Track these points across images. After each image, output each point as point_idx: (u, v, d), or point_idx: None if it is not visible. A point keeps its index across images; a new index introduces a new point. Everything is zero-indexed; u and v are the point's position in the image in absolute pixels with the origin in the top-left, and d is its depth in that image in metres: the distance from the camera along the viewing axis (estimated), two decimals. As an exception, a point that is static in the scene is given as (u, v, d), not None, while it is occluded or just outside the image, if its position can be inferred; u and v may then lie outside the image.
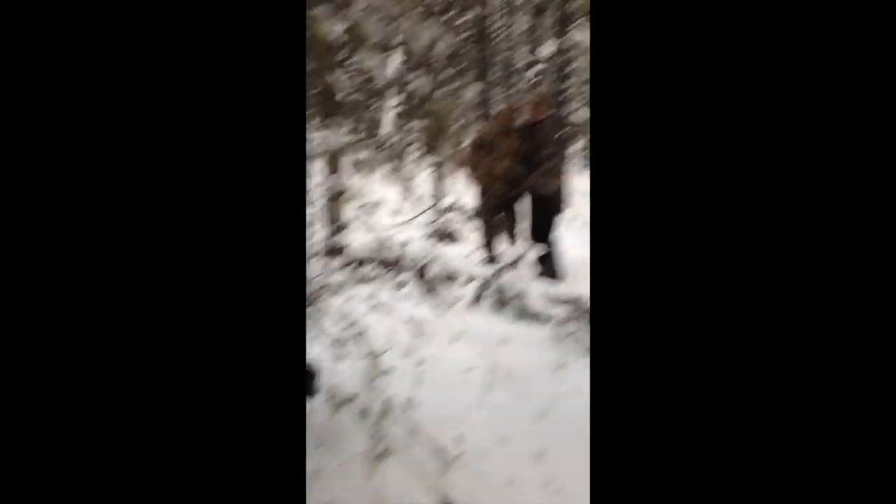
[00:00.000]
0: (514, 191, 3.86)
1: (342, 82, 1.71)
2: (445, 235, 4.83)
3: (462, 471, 1.65)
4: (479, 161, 3.97)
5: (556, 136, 3.81)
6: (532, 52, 11.49)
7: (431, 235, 4.80)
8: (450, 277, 3.10)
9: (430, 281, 2.95)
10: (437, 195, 5.78)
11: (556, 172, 3.75)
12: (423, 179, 5.43)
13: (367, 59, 1.70)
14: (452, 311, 2.88)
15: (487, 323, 2.79)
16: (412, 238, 3.80)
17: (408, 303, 2.73)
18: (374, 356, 1.73)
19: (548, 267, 3.80)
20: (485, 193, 4.00)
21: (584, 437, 1.03)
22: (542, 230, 3.82)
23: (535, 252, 3.68)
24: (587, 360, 2.44)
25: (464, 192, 4.22)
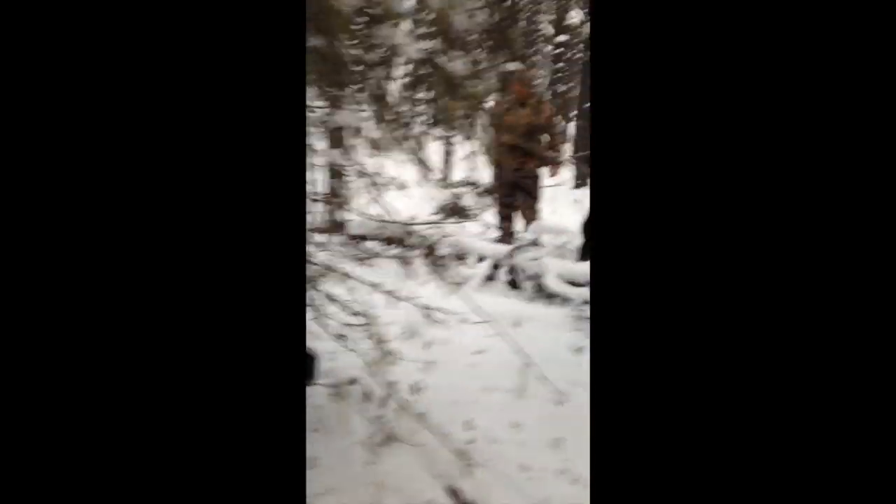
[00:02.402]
0: (526, 166, 3.72)
1: (355, 55, 1.61)
2: (457, 211, 4.71)
3: (471, 458, 1.56)
4: (495, 135, 3.84)
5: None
6: (556, 23, 11.15)
7: (441, 211, 4.69)
8: (459, 256, 2.98)
9: (439, 259, 2.84)
10: (447, 170, 5.62)
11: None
12: (435, 153, 5.30)
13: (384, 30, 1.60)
14: (462, 291, 2.76)
15: (500, 303, 2.68)
16: (419, 214, 3.69)
17: (415, 282, 2.63)
18: (378, 339, 1.63)
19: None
20: (498, 168, 3.86)
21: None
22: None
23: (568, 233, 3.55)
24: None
25: (477, 166, 4.07)
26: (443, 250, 2.97)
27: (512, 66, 4.44)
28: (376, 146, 2.05)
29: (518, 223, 3.88)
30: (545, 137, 3.76)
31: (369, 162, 2.01)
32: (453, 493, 1.43)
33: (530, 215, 3.82)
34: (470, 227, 4.33)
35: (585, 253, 3.77)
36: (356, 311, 1.70)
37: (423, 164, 2.34)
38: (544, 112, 3.72)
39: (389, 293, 2.08)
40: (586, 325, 2.45)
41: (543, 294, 2.76)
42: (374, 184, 2.00)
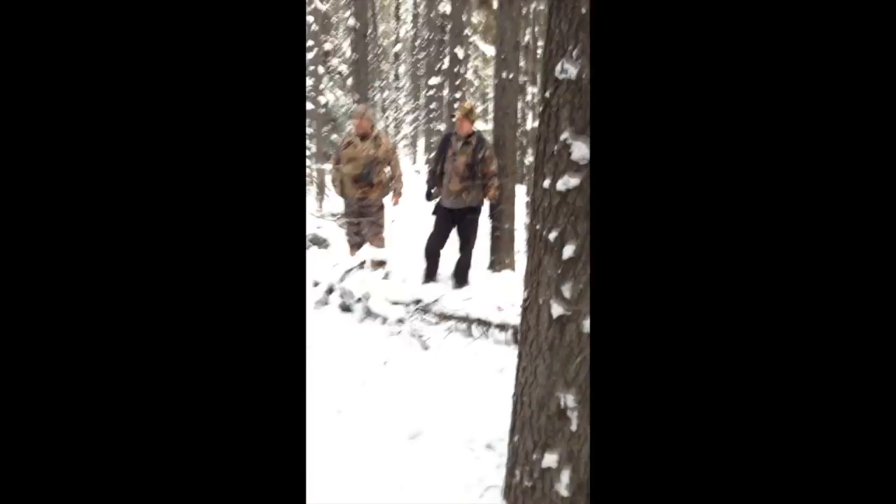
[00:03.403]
0: (368, 196, 3.96)
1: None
2: (317, 242, 4.82)
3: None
4: (337, 167, 4.05)
5: (488, 152, 3.86)
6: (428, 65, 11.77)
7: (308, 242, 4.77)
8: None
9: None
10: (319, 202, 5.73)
11: (488, 187, 3.87)
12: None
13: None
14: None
15: (327, 323, 2.82)
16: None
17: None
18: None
19: (460, 277, 3.97)
20: (344, 198, 4.06)
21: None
22: (463, 242, 3.98)
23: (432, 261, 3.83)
24: (412, 354, 2.53)
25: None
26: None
27: (359, 105, 4.70)
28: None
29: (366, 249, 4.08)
30: (387, 169, 4.03)
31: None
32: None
33: (377, 242, 4.03)
34: (326, 254, 4.46)
35: (428, 275, 4.03)
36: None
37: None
38: (383, 145, 3.99)
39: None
40: (398, 340, 2.66)
41: (372, 315, 2.94)
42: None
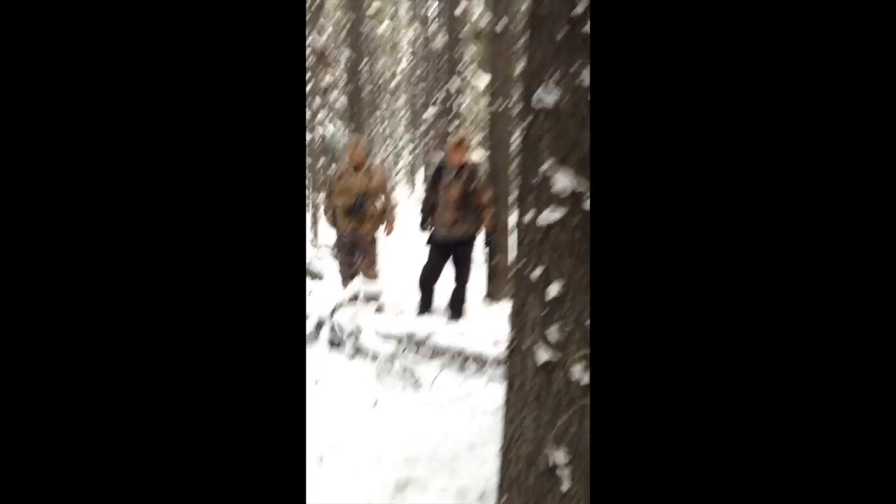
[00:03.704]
0: (360, 228, 3.89)
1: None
2: (311, 274, 4.74)
3: None
4: (330, 199, 3.99)
5: (481, 182, 3.77)
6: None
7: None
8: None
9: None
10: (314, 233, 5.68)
11: (483, 217, 3.79)
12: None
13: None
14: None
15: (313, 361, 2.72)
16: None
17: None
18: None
19: (455, 309, 3.86)
20: (337, 229, 3.99)
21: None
22: (458, 274, 3.88)
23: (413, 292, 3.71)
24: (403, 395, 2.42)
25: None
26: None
27: (353, 136, 4.67)
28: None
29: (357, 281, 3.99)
30: (381, 201, 3.97)
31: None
32: None
33: (370, 274, 3.95)
34: (319, 286, 4.37)
35: (423, 307, 3.93)
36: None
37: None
38: (376, 176, 3.94)
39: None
40: (389, 378, 2.55)
41: (362, 352, 2.84)
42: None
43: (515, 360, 1.24)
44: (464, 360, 2.81)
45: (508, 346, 1.29)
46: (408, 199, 9.79)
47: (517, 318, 1.24)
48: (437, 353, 2.86)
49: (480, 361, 2.77)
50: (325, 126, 8.13)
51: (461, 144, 3.76)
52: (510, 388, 1.28)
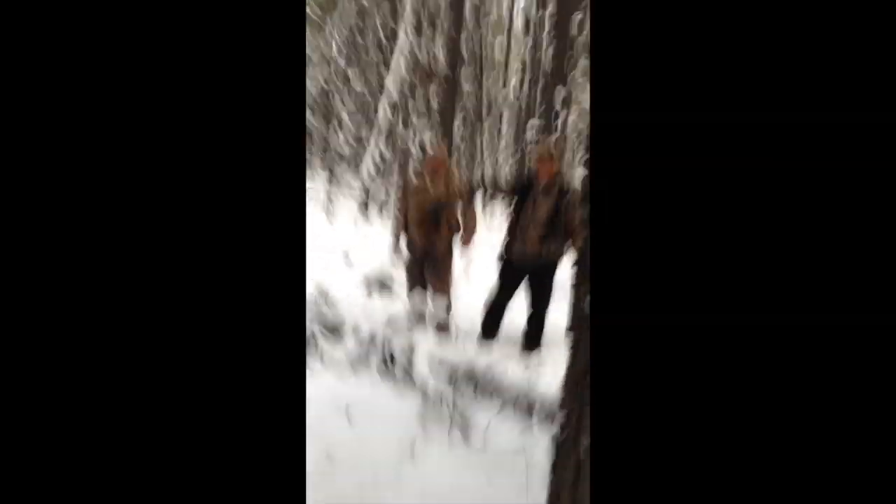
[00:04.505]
0: (433, 239, 3.55)
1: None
2: (380, 285, 4.48)
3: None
4: (406, 206, 3.70)
5: (573, 200, 3.24)
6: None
7: (368, 285, 4.46)
8: (333, 329, 2.73)
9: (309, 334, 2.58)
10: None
11: (571, 242, 3.30)
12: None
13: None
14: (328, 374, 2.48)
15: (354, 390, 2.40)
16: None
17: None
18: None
19: (530, 339, 3.41)
20: (408, 239, 3.69)
21: None
22: (536, 300, 3.42)
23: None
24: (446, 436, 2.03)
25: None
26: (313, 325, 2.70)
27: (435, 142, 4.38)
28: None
29: (431, 297, 3.65)
30: (457, 209, 3.61)
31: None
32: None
33: (440, 287, 3.60)
34: (387, 301, 4.09)
35: (487, 332, 3.52)
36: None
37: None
38: (455, 184, 3.59)
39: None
40: (435, 420, 2.16)
41: (411, 382, 2.49)
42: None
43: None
44: (530, 405, 2.37)
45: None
46: (491, 213, 9.39)
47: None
48: (496, 391, 2.45)
49: (546, 407, 2.31)
50: (421, 133, 8.02)
51: (551, 157, 3.33)
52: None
